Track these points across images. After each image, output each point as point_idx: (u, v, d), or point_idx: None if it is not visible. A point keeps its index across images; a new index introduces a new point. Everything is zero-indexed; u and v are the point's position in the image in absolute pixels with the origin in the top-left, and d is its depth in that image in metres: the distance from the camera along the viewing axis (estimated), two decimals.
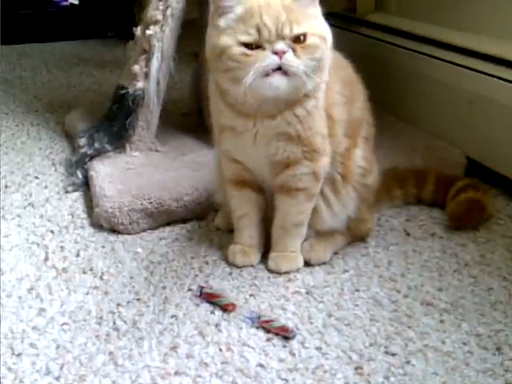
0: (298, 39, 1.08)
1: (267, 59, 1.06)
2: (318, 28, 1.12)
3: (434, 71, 1.82)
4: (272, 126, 1.17)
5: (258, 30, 1.06)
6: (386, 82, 1.97)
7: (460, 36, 1.78)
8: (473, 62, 1.70)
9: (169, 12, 1.57)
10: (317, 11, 1.14)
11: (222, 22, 1.10)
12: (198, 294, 1.19)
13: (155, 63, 1.60)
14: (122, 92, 1.65)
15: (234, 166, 1.27)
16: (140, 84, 1.62)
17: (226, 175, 1.30)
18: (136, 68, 1.61)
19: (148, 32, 1.59)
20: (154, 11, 1.59)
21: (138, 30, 1.65)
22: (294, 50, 1.08)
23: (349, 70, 1.29)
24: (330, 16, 2.21)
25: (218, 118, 1.23)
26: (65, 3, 3.31)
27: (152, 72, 1.60)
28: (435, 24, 1.88)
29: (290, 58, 1.07)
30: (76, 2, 3.35)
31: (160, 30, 1.58)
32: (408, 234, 1.44)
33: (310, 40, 1.09)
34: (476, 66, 1.68)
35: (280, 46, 1.07)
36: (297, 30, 1.07)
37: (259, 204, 1.31)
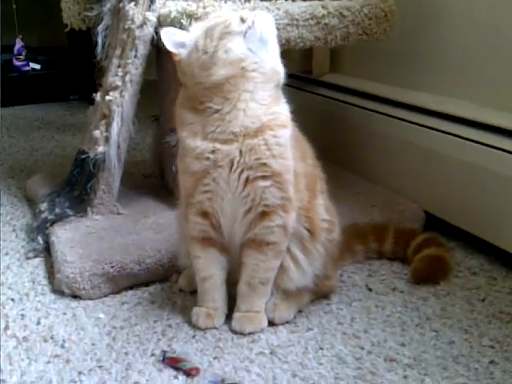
0: None
1: None
2: None
3: (389, 128, 1.88)
4: (253, 146, 1.17)
5: None
6: (343, 140, 2.02)
7: (410, 94, 1.85)
8: (425, 118, 1.76)
9: (128, 78, 1.59)
10: None
11: None
12: (161, 358, 1.18)
13: (115, 128, 1.61)
14: (83, 157, 1.66)
15: (202, 222, 1.26)
16: (101, 148, 1.63)
17: (191, 234, 1.29)
18: (97, 133, 1.63)
19: (108, 97, 1.61)
20: (113, 77, 1.62)
21: (98, 96, 1.67)
22: None
23: (295, 129, 1.31)
24: (287, 77, 2.27)
25: (193, 166, 1.20)
26: (26, 68, 3.33)
27: (112, 136, 1.62)
28: (387, 83, 1.96)
29: None
30: (38, 67, 3.37)
31: (119, 95, 1.60)
32: (370, 290, 1.45)
33: None
34: (428, 123, 1.74)
35: None
36: None
37: (223, 265, 1.31)
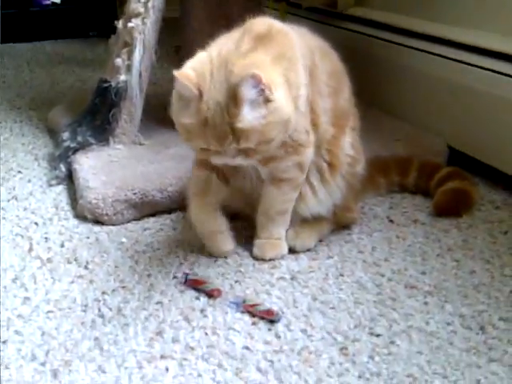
0: None
1: None
2: None
3: (414, 62, 1.84)
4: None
5: None
6: (368, 74, 1.98)
7: (438, 27, 1.80)
8: (452, 51, 1.72)
9: (150, 4, 1.57)
10: None
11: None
12: (183, 280, 1.19)
13: (137, 55, 1.60)
14: (105, 85, 1.65)
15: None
16: (123, 77, 1.62)
17: (196, 157, 1.28)
18: (118, 61, 1.61)
19: (130, 25, 1.59)
20: (135, 4, 1.59)
21: (119, 24, 1.65)
22: None
23: (335, 61, 1.30)
24: (311, 11, 2.23)
25: None
26: (47, 2, 3.30)
27: (134, 64, 1.60)
28: (414, 16, 1.91)
29: None
30: (58, 1, 3.34)
31: (142, 22, 1.58)
32: (391, 221, 1.45)
33: None
34: (455, 56, 1.70)
35: None
36: None
37: (221, 190, 1.27)
